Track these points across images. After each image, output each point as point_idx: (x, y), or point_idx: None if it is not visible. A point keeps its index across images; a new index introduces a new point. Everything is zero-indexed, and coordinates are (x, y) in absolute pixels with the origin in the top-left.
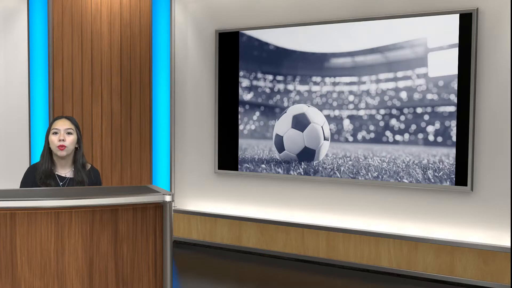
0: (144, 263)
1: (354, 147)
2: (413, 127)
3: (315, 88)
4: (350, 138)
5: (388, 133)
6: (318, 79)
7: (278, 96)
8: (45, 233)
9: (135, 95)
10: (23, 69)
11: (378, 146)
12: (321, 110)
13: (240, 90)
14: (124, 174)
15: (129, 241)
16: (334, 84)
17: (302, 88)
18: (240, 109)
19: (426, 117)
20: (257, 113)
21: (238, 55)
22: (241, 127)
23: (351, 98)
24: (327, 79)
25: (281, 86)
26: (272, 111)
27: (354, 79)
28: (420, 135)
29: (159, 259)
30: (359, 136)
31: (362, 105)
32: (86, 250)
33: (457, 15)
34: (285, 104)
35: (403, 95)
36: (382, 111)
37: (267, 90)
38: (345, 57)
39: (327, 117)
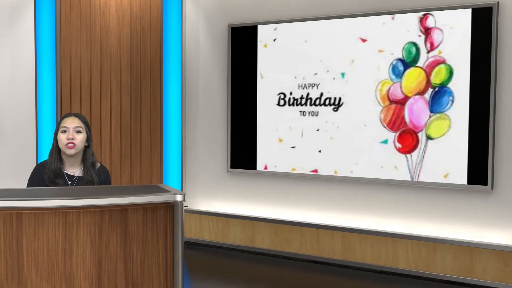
0: (155, 265)
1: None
2: None
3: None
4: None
5: None
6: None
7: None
8: (52, 234)
9: (145, 91)
10: (29, 65)
11: None
12: (337, 110)
13: (259, 86)
14: (134, 173)
15: (139, 242)
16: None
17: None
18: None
19: None
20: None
21: (256, 49)
22: (260, 124)
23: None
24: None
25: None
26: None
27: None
28: None
29: (170, 261)
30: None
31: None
32: (95, 251)
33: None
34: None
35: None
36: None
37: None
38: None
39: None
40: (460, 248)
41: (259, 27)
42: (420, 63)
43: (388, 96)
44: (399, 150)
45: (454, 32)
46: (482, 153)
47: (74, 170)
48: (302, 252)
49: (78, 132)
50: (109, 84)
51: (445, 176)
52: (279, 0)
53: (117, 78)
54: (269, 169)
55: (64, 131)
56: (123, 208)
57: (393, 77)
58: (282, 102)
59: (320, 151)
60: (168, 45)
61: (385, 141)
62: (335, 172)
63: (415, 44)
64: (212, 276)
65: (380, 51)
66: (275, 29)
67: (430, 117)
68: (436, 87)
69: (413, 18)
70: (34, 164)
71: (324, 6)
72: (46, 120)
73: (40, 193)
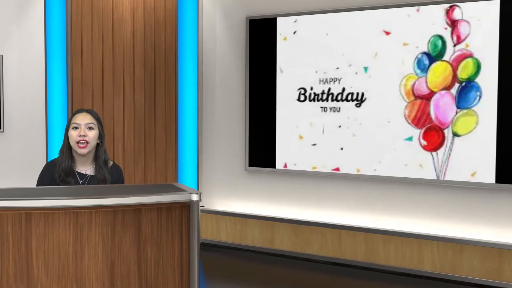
0: (169, 267)
1: None
2: None
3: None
4: None
5: None
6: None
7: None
8: (63, 235)
9: (160, 86)
10: (39, 60)
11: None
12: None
13: (278, 81)
14: (148, 171)
15: (153, 243)
16: None
17: None
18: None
19: None
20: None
21: (275, 43)
22: (279, 120)
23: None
24: None
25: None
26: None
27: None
28: None
29: (185, 263)
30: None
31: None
32: (107, 252)
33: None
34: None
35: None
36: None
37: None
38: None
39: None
40: (488, 249)
41: (278, 19)
42: (446, 57)
43: (413, 91)
44: (424, 147)
45: (482, 25)
46: (511, 151)
47: (86, 168)
48: (323, 253)
49: (90, 128)
50: (122, 79)
51: (473, 174)
52: None
53: (131, 73)
54: (289, 168)
55: (76, 128)
56: (137, 208)
57: (418, 71)
58: (302, 97)
59: (342, 149)
60: (184, 38)
61: (410, 138)
62: (358, 171)
63: (441, 37)
64: (229, 279)
65: (405, 44)
66: (295, 22)
67: (456, 113)
68: (463, 81)
69: (439, 10)
70: (44, 162)
71: None
72: (56, 117)
73: (50, 193)
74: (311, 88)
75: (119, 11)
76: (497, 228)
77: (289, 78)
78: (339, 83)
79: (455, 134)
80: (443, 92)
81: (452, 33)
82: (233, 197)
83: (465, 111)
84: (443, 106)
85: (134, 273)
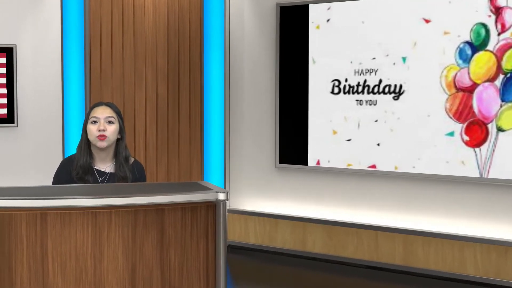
0: (195, 271)
1: None
2: None
3: None
4: None
5: None
6: None
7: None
8: (80, 236)
9: (184, 77)
10: (55, 49)
11: None
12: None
13: (310, 72)
14: (172, 168)
15: (177, 245)
16: None
17: None
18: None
19: None
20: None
21: (307, 31)
22: (312, 114)
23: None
24: None
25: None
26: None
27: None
28: None
29: (212, 266)
30: None
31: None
32: (128, 255)
33: None
34: None
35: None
36: None
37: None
38: None
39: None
40: None
41: (310, 6)
42: (490, 46)
43: (454, 83)
44: (466, 143)
45: None
46: None
47: (105, 165)
48: (359, 256)
49: (109, 122)
50: (143, 70)
51: None
52: None
53: (153, 63)
54: (321, 165)
55: (94, 122)
56: (159, 208)
57: (460, 62)
58: (336, 89)
59: (378, 145)
60: (210, 27)
61: (451, 134)
62: (396, 168)
63: (484, 26)
64: (258, 284)
65: (446, 33)
66: (328, 9)
67: (501, 106)
68: (508, 73)
69: None
70: (60, 159)
71: None
72: (73, 110)
73: (67, 191)
74: (346, 80)
75: None
76: None
77: (322, 69)
78: (375, 74)
79: (500, 129)
80: (486, 84)
81: (496, 21)
82: (262, 196)
83: (510, 104)
84: (486, 99)
85: (157, 278)
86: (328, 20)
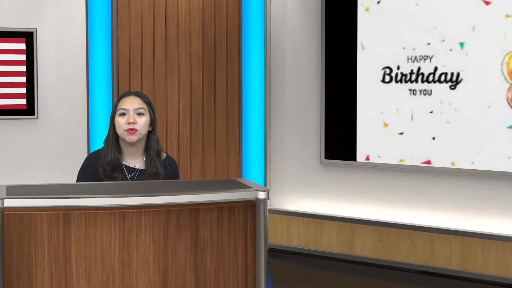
0: (232, 277)
1: None
2: None
3: None
4: None
5: None
6: None
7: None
8: (107, 239)
9: (221, 64)
10: (80, 34)
11: None
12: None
13: (359, 59)
14: (207, 164)
15: (212, 248)
16: None
17: None
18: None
19: None
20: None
21: (356, 14)
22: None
23: None
24: None
25: None
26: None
27: None
28: None
29: (251, 272)
30: None
31: None
32: (159, 260)
33: None
34: None
35: None
36: None
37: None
38: None
39: None
40: None
41: None
42: None
43: None
44: None
45: None
46: None
47: (135, 161)
48: (412, 261)
49: (139, 114)
50: (176, 56)
51: None
52: None
53: (186, 49)
54: (371, 160)
55: (123, 114)
56: (194, 207)
57: None
58: (387, 78)
59: (434, 138)
60: (249, 9)
61: None
62: (452, 164)
63: None
64: None
65: (507, 16)
66: None
67: None
68: None
69: None
70: (85, 154)
71: None
72: (99, 101)
73: (92, 189)
74: (398, 68)
75: None
76: None
77: (372, 56)
78: (430, 61)
79: None
80: None
81: None
82: (306, 194)
83: None
84: None
85: (191, 284)
86: (378, 2)
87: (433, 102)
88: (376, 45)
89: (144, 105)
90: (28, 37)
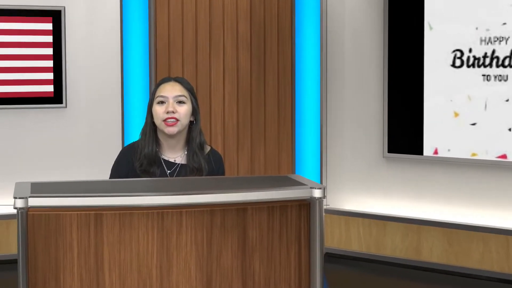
0: (284, 283)
1: None
2: None
3: None
4: None
5: None
6: None
7: None
8: (144, 242)
9: (271, 47)
10: (113, 12)
11: None
12: None
13: (426, 41)
14: (255, 159)
15: (262, 252)
16: None
17: None
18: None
19: None
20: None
21: None
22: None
23: None
24: None
25: None
26: None
27: None
28: None
29: (305, 279)
30: None
31: None
32: (202, 265)
33: None
34: None
35: None
36: None
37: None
38: None
39: None
40: None
41: None
42: None
43: None
44: None
45: None
46: None
47: (175, 155)
48: (486, 267)
49: (180, 102)
50: (221, 38)
51: None
52: None
53: (233, 29)
54: (440, 154)
55: (162, 102)
56: (241, 207)
57: None
58: (458, 62)
59: (510, 130)
60: None
61: None
62: None
63: None
64: None
65: None
66: None
67: None
68: None
69: None
70: (120, 147)
71: None
72: (135, 87)
73: (128, 187)
74: (470, 50)
75: None
76: None
77: (441, 37)
78: (506, 43)
79: None
80: None
81: None
82: (367, 193)
83: None
84: None
85: None
86: None
87: (509, 89)
88: (446, 25)
89: (185, 92)
90: (55, 16)
